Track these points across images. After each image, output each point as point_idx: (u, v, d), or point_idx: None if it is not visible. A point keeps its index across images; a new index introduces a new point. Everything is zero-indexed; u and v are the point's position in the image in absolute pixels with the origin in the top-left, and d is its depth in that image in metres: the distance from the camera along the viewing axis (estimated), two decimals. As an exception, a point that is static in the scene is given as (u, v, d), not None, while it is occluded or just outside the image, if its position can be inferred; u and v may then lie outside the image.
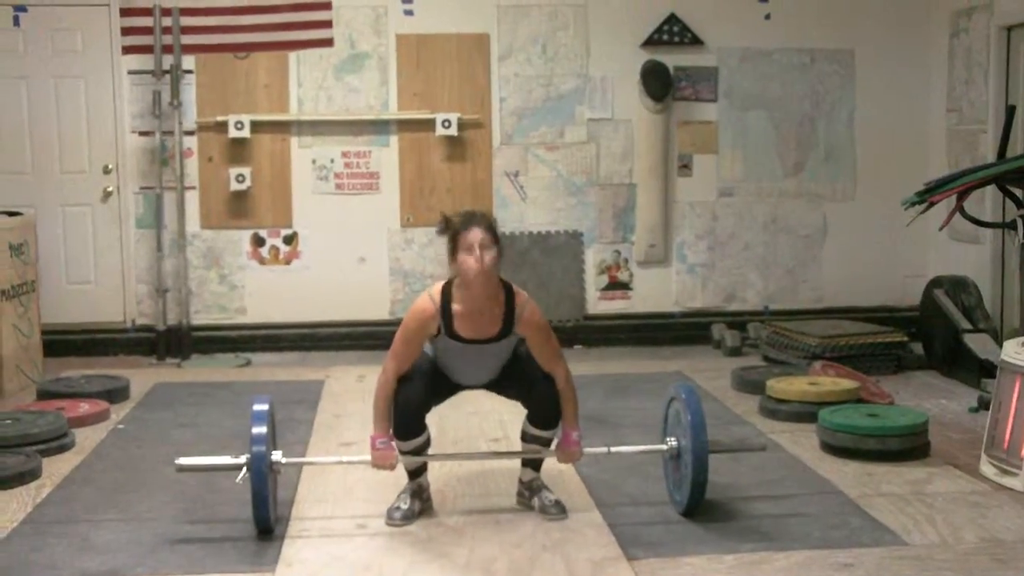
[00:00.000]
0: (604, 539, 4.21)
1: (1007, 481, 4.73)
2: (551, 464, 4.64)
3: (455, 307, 4.26)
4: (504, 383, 4.48)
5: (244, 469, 4.19)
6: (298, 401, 6.33)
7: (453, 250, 4.20)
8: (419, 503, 4.48)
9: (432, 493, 4.59)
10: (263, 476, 4.17)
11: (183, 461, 4.40)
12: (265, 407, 4.32)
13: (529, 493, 4.53)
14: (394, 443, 4.35)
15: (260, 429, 4.22)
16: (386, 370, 4.33)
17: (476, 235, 4.14)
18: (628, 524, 4.35)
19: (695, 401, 4.37)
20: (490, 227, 4.20)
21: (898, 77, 8.19)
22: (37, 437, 5.28)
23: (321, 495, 4.73)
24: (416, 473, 4.50)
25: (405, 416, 4.33)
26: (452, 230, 4.20)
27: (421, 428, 4.40)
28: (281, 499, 4.59)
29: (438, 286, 4.32)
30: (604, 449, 4.59)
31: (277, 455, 4.35)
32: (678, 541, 4.19)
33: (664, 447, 4.50)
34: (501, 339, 4.31)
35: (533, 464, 4.55)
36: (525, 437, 4.49)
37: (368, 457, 4.36)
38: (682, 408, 4.38)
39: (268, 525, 4.26)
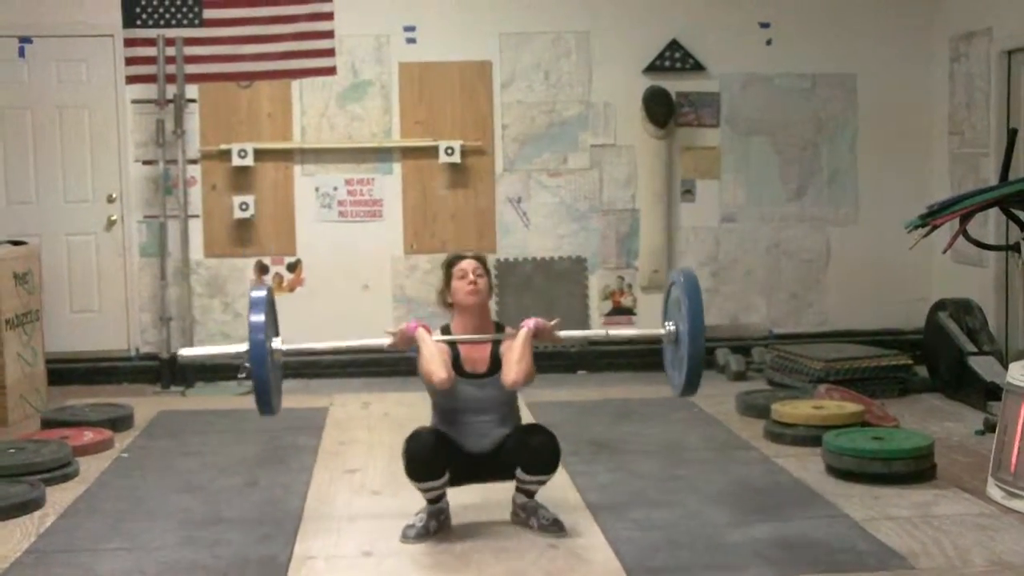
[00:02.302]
0: (609, 565, 4.19)
1: (1014, 504, 4.71)
2: (556, 491, 4.63)
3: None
4: (505, 446, 4.48)
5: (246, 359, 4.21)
6: (302, 428, 6.31)
7: (447, 281, 4.51)
8: (435, 523, 4.48)
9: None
10: (264, 365, 4.21)
11: (185, 352, 4.54)
12: (263, 294, 4.33)
13: (525, 514, 4.55)
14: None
15: (258, 318, 4.21)
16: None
17: (468, 264, 4.49)
18: (633, 550, 4.32)
19: (693, 285, 4.34)
20: (481, 261, 4.53)
21: (900, 101, 8.21)
22: (41, 466, 5.27)
23: (326, 524, 4.71)
24: (435, 500, 4.50)
25: (418, 456, 4.37)
26: (446, 264, 4.56)
27: (438, 471, 4.40)
28: (285, 528, 4.58)
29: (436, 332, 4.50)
30: (603, 332, 4.61)
31: (277, 343, 4.37)
32: (684, 566, 4.17)
33: (663, 332, 4.50)
34: (494, 374, 4.43)
35: (526, 492, 4.56)
36: (519, 482, 4.52)
37: (384, 341, 4.44)
38: (681, 293, 4.37)
39: (272, 411, 4.38)
